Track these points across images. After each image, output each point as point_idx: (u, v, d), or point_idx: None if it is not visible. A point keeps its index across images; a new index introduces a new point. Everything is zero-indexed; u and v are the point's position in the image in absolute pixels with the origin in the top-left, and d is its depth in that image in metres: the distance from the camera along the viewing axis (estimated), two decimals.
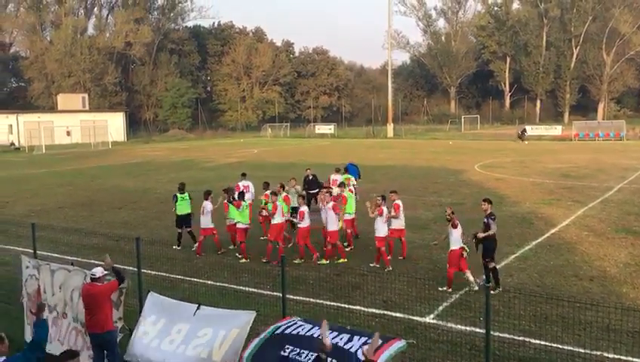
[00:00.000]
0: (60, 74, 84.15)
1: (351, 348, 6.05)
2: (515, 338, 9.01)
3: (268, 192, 15.69)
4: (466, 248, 11.72)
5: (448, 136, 69.73)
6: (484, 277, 11.90)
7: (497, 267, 12.00)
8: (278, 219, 14.39)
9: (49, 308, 9.13)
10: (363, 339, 6.14)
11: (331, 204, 14.29)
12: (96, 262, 12.12)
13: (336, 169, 20.83)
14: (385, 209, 13.64)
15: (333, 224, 14.14)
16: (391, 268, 13.10)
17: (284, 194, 15.71)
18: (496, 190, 25.26)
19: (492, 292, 10.27)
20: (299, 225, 14.29)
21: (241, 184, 18.15)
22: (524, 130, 59.45)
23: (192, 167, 38.51)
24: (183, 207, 16.19)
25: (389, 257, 13.53)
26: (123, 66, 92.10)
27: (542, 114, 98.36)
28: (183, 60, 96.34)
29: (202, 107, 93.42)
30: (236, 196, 15.40)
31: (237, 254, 14.75)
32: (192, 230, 16.02)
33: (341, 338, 6.19)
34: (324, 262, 13.99)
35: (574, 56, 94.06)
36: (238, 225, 14.84)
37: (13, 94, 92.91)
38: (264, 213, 15.47)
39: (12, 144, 65.45)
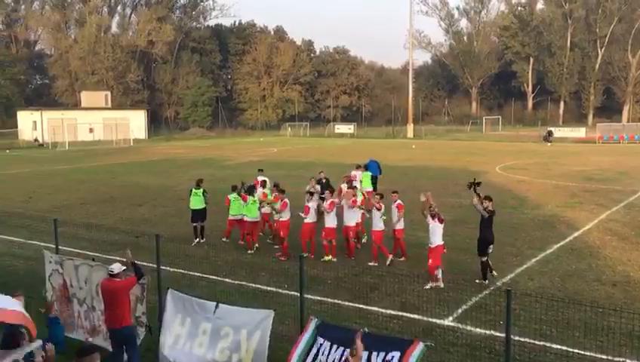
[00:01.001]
0: (83, 71, 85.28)
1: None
2: (536, 342, 8.89)
3: (264, 190, 16.51)
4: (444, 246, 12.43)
5: (470, 137, 69.16)
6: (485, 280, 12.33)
7: (518, 270, 11.89)
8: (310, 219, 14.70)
9: (78, 301, 9.26)
10: (382, 356, 6.09)
11: (328, 203, 14.55)
12: (117, 258, 12.23)
13: (357, 166, 21.70)
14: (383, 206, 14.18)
15: (330, 221, 14.37)
16: (392, 258, 13.60)
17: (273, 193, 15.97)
18: (517, 192, 24.98)
19: (477, 281, 12.17)
20: (304, 221, 14.60)
21: (259, 179, 18.64)
22: (551, 132, 58.74)
23: (212, 165, 38.71)
24: (196, 202, 16.64)
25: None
26: (145, 65, 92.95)
27: (565, 116, 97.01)
28: (204, 59, 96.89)
29: (222, 106, 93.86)
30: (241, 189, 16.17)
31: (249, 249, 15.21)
32: (204, 225, 16.56)
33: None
34: (327, 258, 14.21)
35: (599, 57, 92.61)
36: (245, 218, 15.48)
37: (38, 91, 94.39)
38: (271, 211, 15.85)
39: (36, 140, 66.42)
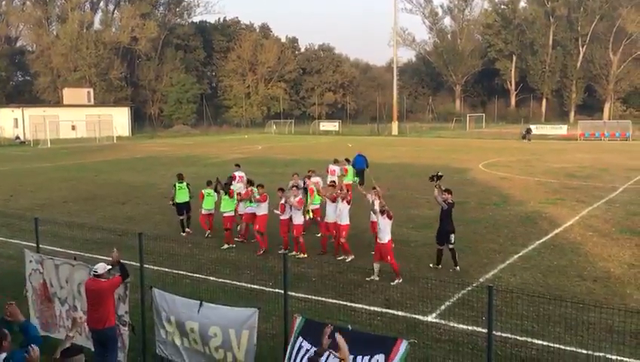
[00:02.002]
0: (65, 68, 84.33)
1: None
2: (518, 338, 8.98)
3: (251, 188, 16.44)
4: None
5: (454, 135, 69.56)
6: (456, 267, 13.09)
7: (501, 266, 11.99)
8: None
9: (60, 300, 9.16)
10: (367, 358, 6.09)
11: (298, 198, 14.65)
12: (100, 256, 12.13)
13: (335, 160, 22.74)
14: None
15: (298, 218, 14.60)
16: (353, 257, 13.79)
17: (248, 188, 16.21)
18: (500, 189, 25.20)
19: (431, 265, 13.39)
20: (280, 218, 14.87)
21: (237, 174, 19.43)
22: (529, 130, 59.33)
23: (196, 162, 38.54)
24: (182, 195, 17.26)
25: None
26: (129, 61, 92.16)
27: (547, 113, 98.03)
28: (188, 56, 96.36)
29: (207, 103, 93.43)
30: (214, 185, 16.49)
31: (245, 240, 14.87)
32: (190, 215, 17.32)
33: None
34: (302, 255, 14.35)
35: (581, 55, 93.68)
36: (226, 214, 15.62)
37: (19, 88, 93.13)
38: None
39: (17, 138, 65.62)
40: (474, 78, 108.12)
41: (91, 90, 79.66)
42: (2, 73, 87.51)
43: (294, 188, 15.76)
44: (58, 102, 79.69)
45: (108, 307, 7.90)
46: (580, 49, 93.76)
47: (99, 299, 7.81)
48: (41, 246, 10.47)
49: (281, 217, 14.85)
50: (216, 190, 16.38)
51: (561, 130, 64.81)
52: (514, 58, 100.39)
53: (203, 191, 16.70)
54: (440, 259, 13.39)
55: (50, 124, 63.29)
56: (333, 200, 14.35)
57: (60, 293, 9.17)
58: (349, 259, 13.94)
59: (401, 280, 12.03)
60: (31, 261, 9.68)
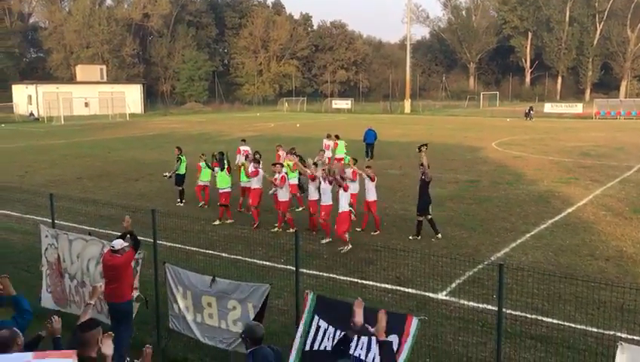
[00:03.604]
0: (78, 45, 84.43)
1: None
2: (528, 316, 9.01)
3: (201, 163, 17.56)
4: (353, 211, 13.48)
5: (467, 113, 69.02)
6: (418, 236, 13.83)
7: (513, 245, 11.97)
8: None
9: (69, 276, 9.30)
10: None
11: (280, 175, 14.78)
12: (114, 232, 12.28)
13: (328, 135, 23.92)
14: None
15: (283, 195, 14.75)
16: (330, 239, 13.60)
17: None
18: (513, 168, 25.05)
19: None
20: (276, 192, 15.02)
21: (242, 148, 20.67)
22: (531, 108, 58.91)
23: (208, 139, 38.61)
24: (182, 168, 18.54)
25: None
26: (141, 38, 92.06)
27: (563, 91, 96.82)
28: (200, 33, 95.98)
29: (219, 80, 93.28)
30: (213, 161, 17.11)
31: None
32: (183, 188, 18.40)
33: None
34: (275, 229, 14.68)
35: (598, 32, 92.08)
36: (222, 190, 15.86)
37: (33, 65, 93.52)
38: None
39: (31, 114, 66.05)
40: (488, 55, 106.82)
41: (104, 67, 79.79)
42: (16, 50, 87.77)
43: (279, 165, 15.83)
44: (71, 79, 79.95)
45: (124, 282, 8.02)
46: (597, 25, 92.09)
47: (117, 274, 7.92)
48: (56, 221, 10.60)
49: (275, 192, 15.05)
50: (209, 166, 17.15)
51: (577, 108, 64.08)
52: (529, 35, 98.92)
53: (200, 163, 17.62)
54: (420, 230, 13.94)
55: (64, 100, 63.62)
56: (312, 179, 14.34)
57: (71, 269, 9.30)
58: (346, 249, 13.05)
59: (350, 247, 12.77)
60: (47, 236, 9.81)
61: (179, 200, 18.31)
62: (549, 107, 66.39)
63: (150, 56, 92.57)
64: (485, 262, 11.62)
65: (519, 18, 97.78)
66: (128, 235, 8.32)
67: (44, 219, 12.18)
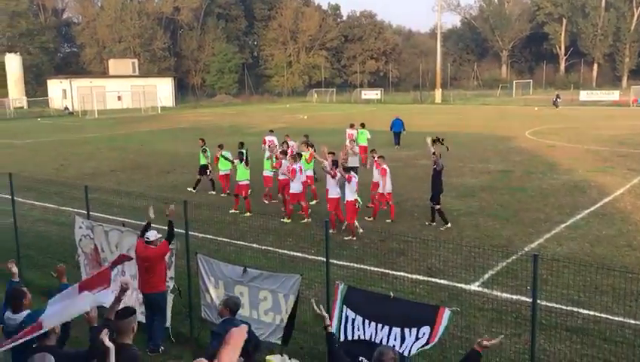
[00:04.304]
0: (110, 39, 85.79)
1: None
2: (563, 307, 8.83)
3: (219, 154, 17.71)
4: (359, 200, 13.33)
5: (500, 102, 67.95)
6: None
7: (547, 236, 11.75)
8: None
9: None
10: (414, 332, 6.08)
11: (291, 168, 14.89)
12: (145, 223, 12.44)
13: (351, 124, 23.92)
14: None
15: (295, 187, 14.81)
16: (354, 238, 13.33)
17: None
18: (547, 157, 24.59)
19: (442, 228, 13.73)
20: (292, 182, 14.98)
21: (267, 138, 20.78)
22: (558, 96, 57.70)
23: (237, 132, 38.82)
24: (204, 159, 19.17)
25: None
26: (171, 32, 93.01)
27: (599, 78, 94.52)
28: (229, 25, 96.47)
29: (249, 72, 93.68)
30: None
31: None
32: (202, 178, 19.06)
33: (395, 338, 6.15)
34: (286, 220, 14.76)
35: (635, 17, 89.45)
36: (242, 182, 16.09)
37: (67, 60, 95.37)
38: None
39: (66, 108, 67.39)
40: (521, 42, 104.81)
41: (136, 61, 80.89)
42: (50, 45, 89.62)
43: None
44: (104, 73, 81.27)
45: (159, 273, 8.13)
46: (635, 10, 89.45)
47: (151, 265, 8.04)
48: (91, 213, 10.79)
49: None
50: (226, 158, 17.46)
51: (613, 95, 62.51)
52: (564, 21, 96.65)
53: (217, 154, 17.88)
54: (434, 217, 14.16)
55: (97, 94, 64.73)
56: (333, 176, 13.80)
57: (110, 258, 9.47)
58: (350, 238, 13.13)
59: (355, 238, 12.94)
60: (81, 227, 10.00)
61: (195, 189, 19.07)
62: (584, 95, 64.91)
63: (181, 49, 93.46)
64: (519, 253, 11.44)
65: (553, 4, 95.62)
66: (168, 224, 8.38)
67: (80, 211, 12.40)
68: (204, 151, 19.13)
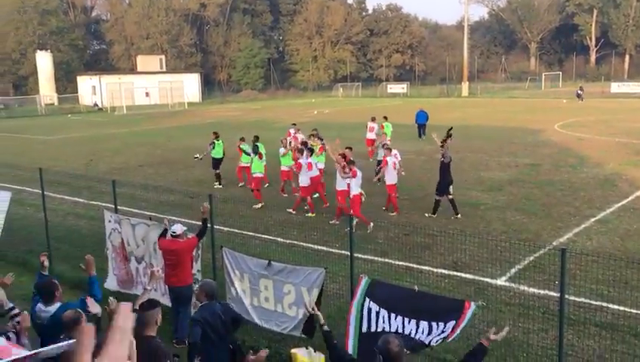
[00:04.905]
0: (138, 36, 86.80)
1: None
2: (592, 302, 8.67)
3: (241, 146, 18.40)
4: (364, 193, 13.66)
5: (528, 95, 66.90)
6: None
7: (576, 230, 11.55)
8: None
9: (136, 258, 9.62)
10: (441, 326, 6.05)
11: (297, 162, 15.27)
12: (173, 218, 12.60)
13: (372, 117, 24.39)
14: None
15: (302, 180, 15.14)
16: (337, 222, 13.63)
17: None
18: (577, 150, 24.14)
19: (427, 215, 14.20)
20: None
21: (291, 131, 21.19)
22: (581, 88, 56.60)
23: (263, 127, 38.95)
24: (220, 151, 19.41)
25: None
26: (198, 28, 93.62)
27: (631, 70, 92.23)
28: (255, 20, 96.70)
29: (274, 67, 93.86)
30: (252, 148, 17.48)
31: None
32: (220, 172, 19.33)
33: (422, 330, 6.13)
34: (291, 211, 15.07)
35: None
36: (255, 175, 16.49)
37: (96, 56, 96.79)
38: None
39: (95, 105, 68.45)
40: (550, 34, 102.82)
41: (163, 57, 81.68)
42: (80, 42, 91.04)
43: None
44: (132, 70, 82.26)
45: (185, 266, 8.21)
46: None
47: (177, 258, 8.12)
48: (119, 207, 10.95)
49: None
50: (246, 152, 17.77)
51: None
52: (594, 12, 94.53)
53: (240, 146, 18.42)
54: (436, 210, 14.23)
55: (126, 90, 65.61)
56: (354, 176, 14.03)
57: (137, 252, 9.61)
58: (370, 228, 13.28)
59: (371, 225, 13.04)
60: (110, 221, 10.17)
61: (217, 183, 19.22)
62: (615, 87, 63.52)
63: (207, 45, 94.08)
64: (547, 248, 11.26)
65: None
66: (202, 221, 8.48)
67: (108, 205, 12.59)
68: (212, 143, 19.54)
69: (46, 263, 6.83)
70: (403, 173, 15.47)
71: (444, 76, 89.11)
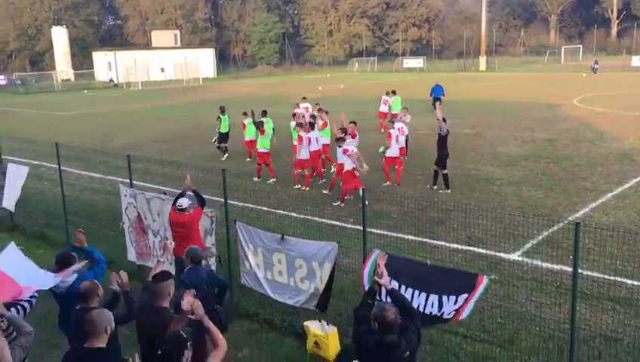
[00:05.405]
0: (153, 11, 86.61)
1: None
2: (607, 277, 8.61)
3: (245, 121, 18.92)
4: (358, 170, 13.63)
5: (547, 68, 65.84)
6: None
7: (593, 205, 11.42)
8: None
9: (153, 232, 9.72)
10: (452, 299, 6.06)
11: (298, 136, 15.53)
12: (188, 193, 12.68)
13: (387, 91, 24.71)
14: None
15: (301, 153, 15.35)
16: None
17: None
18: (596, 125, 23.79)
19: (441, 191, 14.20)
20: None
21: (301, 105, 21.80)
22: (596, 62, 55.61)
23: (277, 102, 38.84)
24: (225, 126, 19.93)
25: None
26: (212, 2, 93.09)
27: None
28: None
29: (289, 42, 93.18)
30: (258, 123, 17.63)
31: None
32: (227, 145, 19.96)
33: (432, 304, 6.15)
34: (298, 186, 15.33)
35: None
36: (260, 150, 16.55)
37: (111, 32, 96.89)
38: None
39: (111, 80, 68.69)
40: (571, 6, 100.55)
41: (178, 33, 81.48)
42: (95, 17, 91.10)
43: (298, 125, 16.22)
44: (147, 45, 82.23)
45: (194, 237, 8.25)
46: None
47: (185, 230, 8.17)
48: (134, 182, 11.03)
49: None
50: (257, 126, 17.64)
51: None
52: None
53: (244, 121, 18.86)
54: (436, 180, 14.55)
55: (141, 66, 65.64)
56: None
57: (153, 226, 9.70)
58: (338, 204, 13.69)
59: (342, 204, 13.41)
60: (125, 195, 10.25)
61: (225, 155, 19.73)
62: (636, 60, 62.20)
63: (221, 19, 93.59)
64: (562, 223, 11.18)
65: None
66: (192, 193, 8.57)
67: (124, 180, 12.70)
68: (218, 118, 20.06)
69: (82, 238, 6.93)
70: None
71: (461, 50, 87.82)
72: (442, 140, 14.34)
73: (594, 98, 34.02)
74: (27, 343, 4.70)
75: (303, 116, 18.78)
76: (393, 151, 15.24)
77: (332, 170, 16.13)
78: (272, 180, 16.05)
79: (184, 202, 8.28)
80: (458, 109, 29.11)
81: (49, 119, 34.87)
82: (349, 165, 13.44)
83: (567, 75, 55.26)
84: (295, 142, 17.01)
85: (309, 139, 15.39)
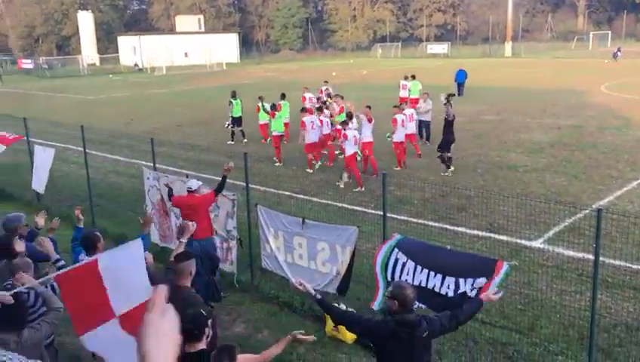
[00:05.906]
0: None
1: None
2: (631, 266, 8.52)
3: (259, 104, 19.15)
4: (359, 152, 14.42)
5: (575, 55, 64.59)
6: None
7: (618, 193, 11.25)
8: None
9: (175, 214, 9.85)
10: (470, 282, 6.03)
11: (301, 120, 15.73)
12: (210, 176, 12.82)
13: (405, 76, 24.94)
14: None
15: (309, 137, 15.58)
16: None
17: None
18: (623, 112, 23.34)
19: (445, 174, 14.50)
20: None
21: (323, 88, 22.78)
22: (619, 49, 54.41)
23: (298, 88, 38.77)
24: (238, 110, 20.26)
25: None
26: None
27: None
28: None
29: (312, 27, 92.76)
30: (270, 107, 18.10)
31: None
32: (242, 129, 20.28)
33: (448, 286, 6.13)
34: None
35: None
36: (274, 133, 17.13)
37: (136, 17, 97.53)
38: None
39: (135, 65, 69.23)
40: None
41: (201, 17, 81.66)
42: (120, 2, 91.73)
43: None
44: (171, 30, 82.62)
45: (205, 219, 8.28)
46: None
47: (194, 212, 8.19)
48: (157, 165, 11.18)
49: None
50: (265, 111, 18.22)
51: None
52: None
53: (258, 104, 19.11)
54: (444, 162, 14.71)
55: (165, 51, 66.01)
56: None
57: (175, 208, 9.82)
58: (340, 184, 14.06)
59: (362, 189, 13.44)
60: (148, 178, 10.41)
61: (244, 140, 19.99)
62: None
63: (245, 4, 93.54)
64: (586, 210, 11.04)
65: None
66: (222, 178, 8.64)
67: (147, 163, 12.87)
68: (230, 104, 20.29)
69: (81, 216, 7.04)
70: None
71: (486, 36, 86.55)
72: (448, 125, 14.58)
73: (622, 85, 33.32)
74: (56, 319, 4.78)
75: (319, 98, 19.23)
76: (399, 137, 15.27)
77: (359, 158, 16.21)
78: (277, 164, 16.31)
79: (193, 184, 8.35)
80: (482, 95, 28.80)
81: (75, 103, 35.35)
82: (350, 150, 13.73)
83: (595, 62, 54.16)
84: (300, 128, 16.83)
85: (313, 123, 15.61)
